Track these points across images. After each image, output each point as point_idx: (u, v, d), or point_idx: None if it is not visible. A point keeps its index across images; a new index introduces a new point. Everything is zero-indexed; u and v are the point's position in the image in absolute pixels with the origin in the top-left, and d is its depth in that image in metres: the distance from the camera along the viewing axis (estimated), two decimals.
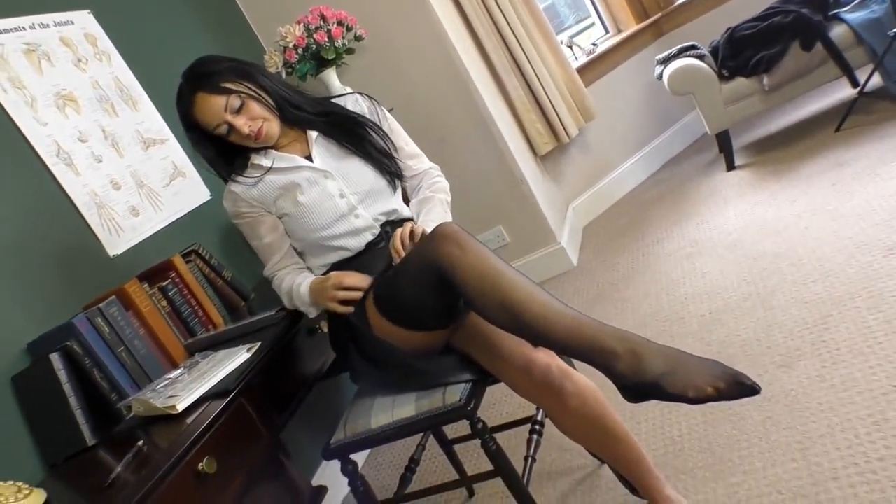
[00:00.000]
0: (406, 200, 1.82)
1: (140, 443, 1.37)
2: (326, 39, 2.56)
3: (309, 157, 1.69)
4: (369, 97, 1.81)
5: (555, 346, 1.35)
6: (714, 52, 3.25)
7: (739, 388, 1.20)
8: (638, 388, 1.26)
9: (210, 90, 1.58)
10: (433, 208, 1.75)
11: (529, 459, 1.59)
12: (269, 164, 1.67)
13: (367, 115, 1.76)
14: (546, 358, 1.41)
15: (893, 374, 1.59)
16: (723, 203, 3.02)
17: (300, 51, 2.59)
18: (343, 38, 2.61)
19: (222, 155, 1.70)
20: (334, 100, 1.79)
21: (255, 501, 1.39)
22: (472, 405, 1.43)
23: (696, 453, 1.70)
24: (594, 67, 3.68)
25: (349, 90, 2.72)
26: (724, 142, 3.30)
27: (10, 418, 1.55)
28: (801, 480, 1.46)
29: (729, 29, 3.21)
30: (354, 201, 1.65)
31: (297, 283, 1.66)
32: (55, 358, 1.55)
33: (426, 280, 1.38)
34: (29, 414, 1.58)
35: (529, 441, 1.63)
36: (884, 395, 1.56)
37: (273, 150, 1.70)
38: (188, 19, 2.72)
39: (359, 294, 1.55)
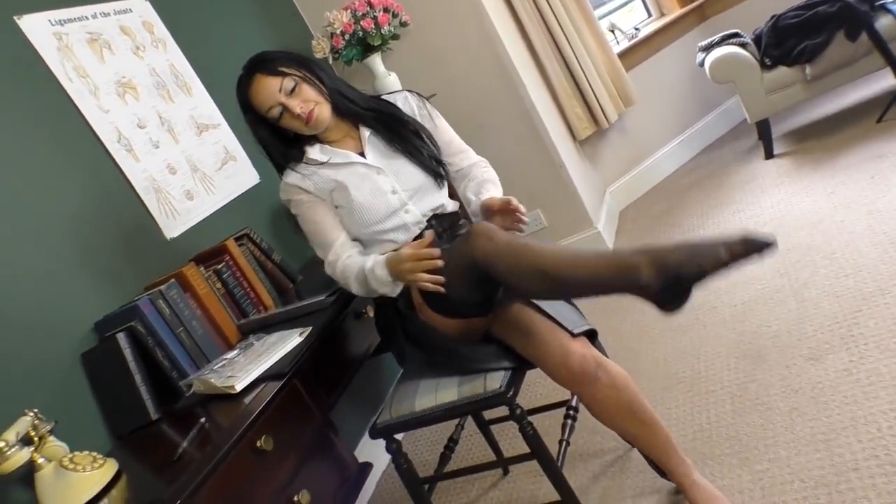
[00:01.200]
0: (451, 195, 1.88)
1: (202, 420, 1.48)
2: (373, 26, 2.63)
3: (362, 154, 1.76)
4: (418, 95, 1.87)
5: (585, 288, 1.44)
6: (757, 39, 3.23)
7: (751, 244, 1.28)
8: (666, 290, 1.32)
9: (266, 72, 1.68)
10: (498, 190, 1.82)
11: (564, 443, 1.67)
12: (324, 159, 1.74)
13: (416, 113, 1.83)
14: (582, 349, 1.49)
15: None
16: (759, 192, 3.03)
17: (347, 37, 2.65)
18: (389, 24, 2.67)
19: (277, 138, 1.77)
20: (385, 96, 1.86)
21: (307, 477, 1.50)
22: (511, 392, 1.51)
23: (723, 440, 1.76)
24: (636, 52, 3.68)
25: (394, 80, 2.79)
26: (763, 130, 3.30)
27: (81, 392, 1.68)
28: (824, 470, 1.52)
29: (773, 17, 3.18)
30: (405, 197, 1.73)
31: (368, 268, 1.64)
32: (121, 337, 1.67)
33: (465, 275, 1.48)
34: (97, 389, 1.70)
35: (564, 425, 1.71)
36: None
37: (327, 146, 1.77)
38: (239, 4, 2.80)
39: (437, 262, 1.53)
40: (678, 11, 3.85)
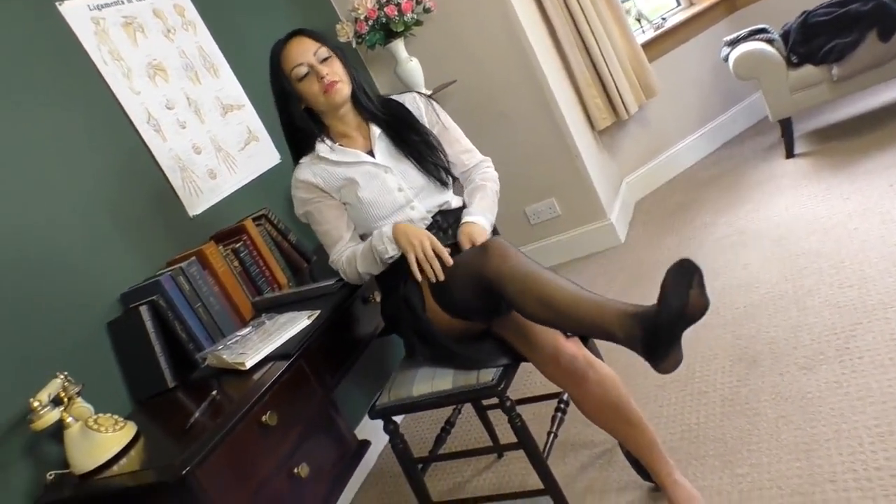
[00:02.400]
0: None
1: (214, 392, 1.59)
2: (396, 13, 2.67)
3: (370, 153, 1.83)
4: (426, 97, 1.94)
5: (582, 328, 1.52)
6: (785, 35, 3.20)
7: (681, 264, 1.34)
8: (652, 340, 1.38)
9: (308, 35, 1.79)
10: (485, 196, 1.88)
11: (552, 435, 1.75)
12: (334, 159, 1.82)
13: (423, 114, 1.89)
14: (573, 348, 1.57)
15: None
16: (776, 192, 3.04)
17: (370, 22, 2.70)
18: (412, 11, 2.71)
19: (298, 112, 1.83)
20: (394, 97, 1.92)
21: (308, 452, 1.60)
22: (502, 385, 1.59)
23: (709, 442, 1.83)
24: (661, 42, 3.66)
25: (416, 65, 2.83)
26: (785, 128, 3.28)
27: (106, 358, 1.80)
28: (801, 479, 1.58)
29: (804, 13, 3.14)
30: (411, 195, 1.80)
31: (375, 232, 1.75)
32: (144, 310, 1.78)
33: (472, 283, 1.56)
34: (120, 356, 1.82)
35: (554, 418, 1.79)
36: (895, 408, 1.64)
37: (337, 145, 1.85)
38: None
39: (447, 258, 1.63)
40: (708, 1, 3.80)
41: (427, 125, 1.89)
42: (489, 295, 1.55)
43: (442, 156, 1.87)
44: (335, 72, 1.77)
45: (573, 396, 1.60)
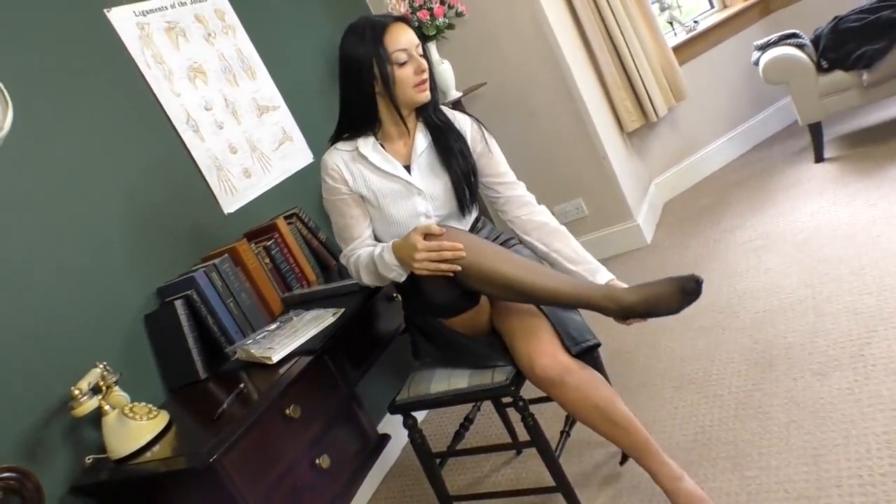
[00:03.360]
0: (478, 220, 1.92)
1: (241, 385, 1.68)
2: (429, 17, 2.74)
3: (407, 168, 1.80)
4: (478, 122, 1.89)
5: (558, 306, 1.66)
6: (816, 40, 3.19)
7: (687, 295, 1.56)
8: (627, 317, 1.59)
9: (411, 27, 1.76)
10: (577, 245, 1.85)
11: (564, 434, 1.82)
12: (372, 161, 1.78)
13: (468, 139, 1.85)
14: (549, 356, 1.58)
15: None
16: (803, 197, 3.03)
17: None
18: (444, 15, 2.78)
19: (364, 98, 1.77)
20: (447, 111, 1.88)
21: (330, 444, 1.69)
22: (514, 386, 1.66)
23: (721, 444, 1.87)
24: (693, 45, 3.67)
25: (447, 68, 2.89)
26: (815, 133, 3.27)
27: (142, 349, 1.91)
28: (808, 484, 1.62)
29: (835, 18, 3.13)
30: (434, 221, 1.77)
31: (377, 254, 1.70)
32: (179, 304, 1.88)
33: (439, 280, 1.60)
34: (156, 347, 1.92)
35: (567, 417, 1.85)
36: None
37: (380, 146, 1.81)
38: None
39: (460, 252, 1.56)
40: (741, 4, 3.78)
41: (472, 151, 1.85)
42: (453, 282, 1.59)
43: (473, 186, 1.84)
44: (429, 72, 1.76)
45: (555, 400, 1.62)
